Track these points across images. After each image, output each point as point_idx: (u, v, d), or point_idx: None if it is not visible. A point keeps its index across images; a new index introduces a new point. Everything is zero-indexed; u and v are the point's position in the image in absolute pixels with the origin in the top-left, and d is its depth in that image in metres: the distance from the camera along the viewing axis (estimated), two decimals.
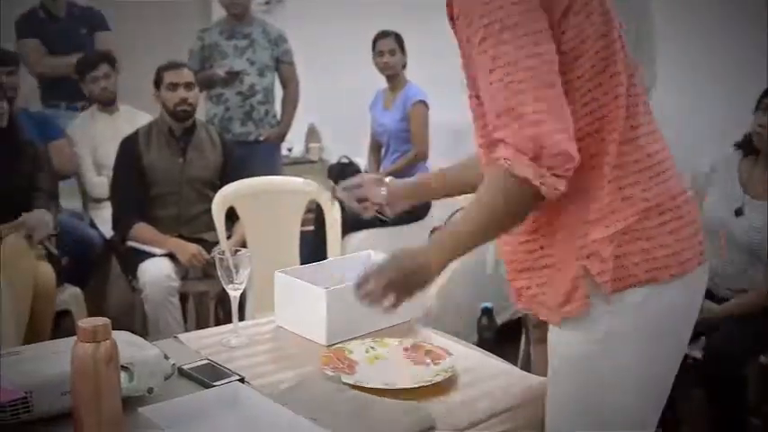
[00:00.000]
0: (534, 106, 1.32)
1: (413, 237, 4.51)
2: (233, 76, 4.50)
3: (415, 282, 1.50)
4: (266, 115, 4.66)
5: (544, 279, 1.49)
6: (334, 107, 5.47)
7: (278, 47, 4.66)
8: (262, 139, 4.62)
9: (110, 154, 3.79)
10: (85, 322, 1.40)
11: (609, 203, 1.43)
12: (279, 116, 4.78)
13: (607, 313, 1.44)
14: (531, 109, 1.32)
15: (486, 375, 1.75)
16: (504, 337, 3.60)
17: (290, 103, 4.78)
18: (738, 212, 2.87)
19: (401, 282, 1.50)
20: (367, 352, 1.82)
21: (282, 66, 4.70)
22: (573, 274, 1.44)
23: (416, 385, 1.66)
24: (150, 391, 1.55)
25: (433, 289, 3.54)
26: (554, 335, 1.52)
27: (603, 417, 1.47)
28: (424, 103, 4.46)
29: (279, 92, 4.81)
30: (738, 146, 2.96)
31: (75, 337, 1.40)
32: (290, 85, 4.76)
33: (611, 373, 1.46)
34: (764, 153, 2.87)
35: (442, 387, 1.68)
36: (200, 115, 4.09)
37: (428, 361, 1.79)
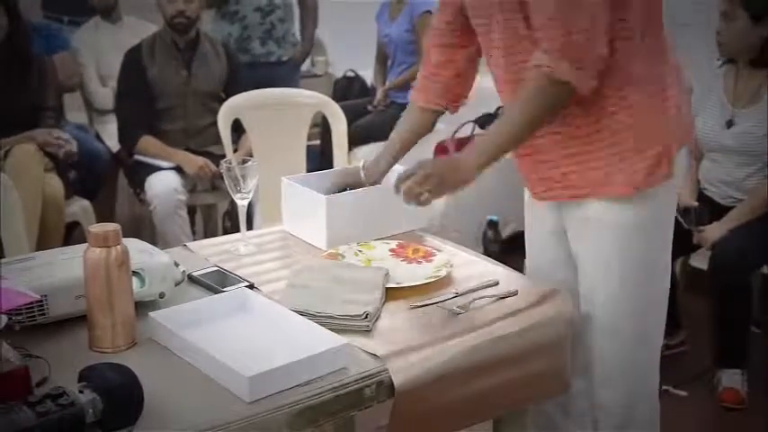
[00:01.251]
0: (582, 19, 1.55)
1: (418, 150, 4.51)
2: None
3: (454, 179, 1.70)
4: (287, 34, 4.35)
5: (611, 159, 1.69)
6: (339, 19, 5.39)
7: None
8: (285, 59, 4.33)
9: (114, 65, 3.76)
10: (96, 227, 1.43)
11: (673, 82, 1.71)
12: (297, 35, 4.51)
13: (671, 181, 1.72)
14: (580, 20, 1.55)
15: (499, 279, 1.77)
16: (509, 250, 3.63)
17: (311, 18, 4.51)
18: (729, 124, 2.92)
19: (440, 177, 1.69)
20: (357, 255, 1.86)
21: None
22: (659, 148, 1.68)
23: (426, 281, 1.71)
24: (162, 295, 1.58)
25: (441, 201, 3.58)
26: (623, 210, 1.72)
27: (656, 267, 1.79)
28: (431, 13, 4.39)
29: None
30: (720, 61, 3.01)
31: (86, 244, 1.44)
32: None
33: (666, 225, 1.79)
34: (739, 60, 2.92)
35: (448, 283, 1.74)
36: (214, 34, 3.98)
37: (419, 259, 1.84)
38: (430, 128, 1.99)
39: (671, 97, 1.71)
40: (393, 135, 1.99)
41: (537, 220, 1.95)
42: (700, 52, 3.29)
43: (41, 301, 1.46)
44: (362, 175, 1.98)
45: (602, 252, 1.77)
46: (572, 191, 1.76)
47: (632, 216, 1.72)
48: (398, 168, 1.94)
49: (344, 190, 2.00)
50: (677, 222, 2.84)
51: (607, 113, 1.68)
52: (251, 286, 1.71)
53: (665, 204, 1.78)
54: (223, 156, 3.31)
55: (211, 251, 1.92)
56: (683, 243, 2.88)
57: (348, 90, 5.20)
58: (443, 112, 1.99)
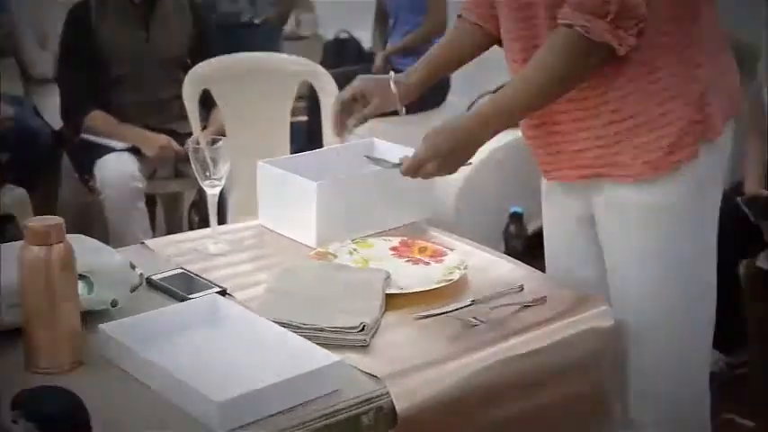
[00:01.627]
0: None
1: (426, 127, 4.51)
2: None
3: (463, 156, 1.76)
4: None
5: (634, 137, 1.72)
6: None
7: None
8: (257, 21, 4.36)
9: (56, 23, 3.76)
10: (35, 221, 1.43)
11: (709, 46, 1.72)
12: None
13: (706, 155, 1.73)
14: None
15: (524, 284, 1.77)
16: (536, 248, 3.63)
17: None
18: None
19: (449, 157, 1.75)
20: (351, 254, 1.86)
21: None
22: (681, 123, 1.69)
23: (435, 286, 1.72)
24: (114, 303, 1.58)
25: (453, 190, 3.58)
26: (646, 191, 1.74)
27: (697, 261, 1.79)
28: None
29: None
30: None
31: (22, 241, 1.43)
32: None
33: (708, 211, 1.80)
34: None
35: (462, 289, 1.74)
36: None
37: (427, 260, 1.85)
38: (477, 49, 2.01)
39: (703, 64, 1.71)
40: (432, 48, 2.07)
41: (558, 209, 1.95)
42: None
43: None
44: (393, 88, 1.96)
45: (633, 240, 1.78)
46: (582, 171, 1.79)
47: (669, 197, 1.74)
48: (407, 150, 1.93)
49: (360, 96, 1.95)
50: (742, 216, 2.87)
51: (626, 82, 1.70)
52: (223, 292, 1.71)
53: (707, 182, 1.78)
54: (189, 134, 3.31)
55: (175, 250, 1.93)
56: (748, 240, 2.89)
57: (341, 55, 5.20)
58: (494, 39, 1.97)
